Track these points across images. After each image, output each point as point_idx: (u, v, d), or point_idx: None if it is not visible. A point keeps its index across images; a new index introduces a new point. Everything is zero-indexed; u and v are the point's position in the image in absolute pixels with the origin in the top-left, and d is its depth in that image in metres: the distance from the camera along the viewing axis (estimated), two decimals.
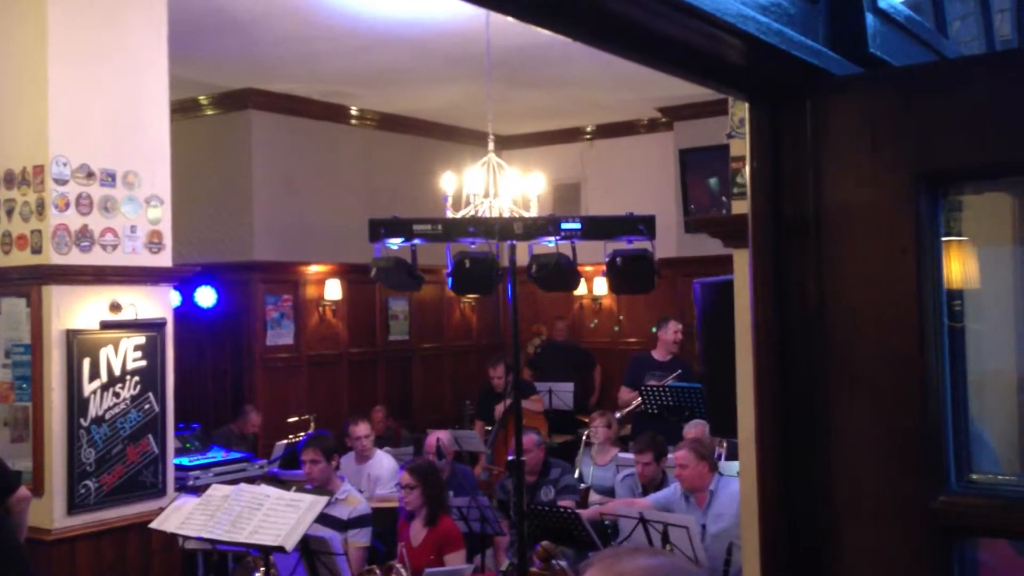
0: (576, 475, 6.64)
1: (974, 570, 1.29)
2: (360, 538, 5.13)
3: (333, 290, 9.10)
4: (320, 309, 9.09)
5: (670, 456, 5.60)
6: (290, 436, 7.60)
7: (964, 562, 1.26)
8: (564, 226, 4.08)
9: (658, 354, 7.92)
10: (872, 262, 1.26)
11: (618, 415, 7.37)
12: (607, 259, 4.17)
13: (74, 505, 4.72)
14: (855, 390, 1.28)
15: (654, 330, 8.17)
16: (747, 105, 1.38)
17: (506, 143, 10.06)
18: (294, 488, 4.88)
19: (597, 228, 4.18)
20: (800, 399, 1.32)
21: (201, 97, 8.63)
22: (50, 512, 4.67)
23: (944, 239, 1.31)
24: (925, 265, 1.24)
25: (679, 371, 7.60)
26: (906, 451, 1.26)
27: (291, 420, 7.95)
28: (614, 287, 4.32)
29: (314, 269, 9.06)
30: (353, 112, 9.34)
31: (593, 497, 6.42)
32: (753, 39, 1.14)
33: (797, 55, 1.20)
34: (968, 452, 1.28)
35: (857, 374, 1.28)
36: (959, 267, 1.41)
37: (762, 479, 1.35)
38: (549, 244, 4.29)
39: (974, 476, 1.28)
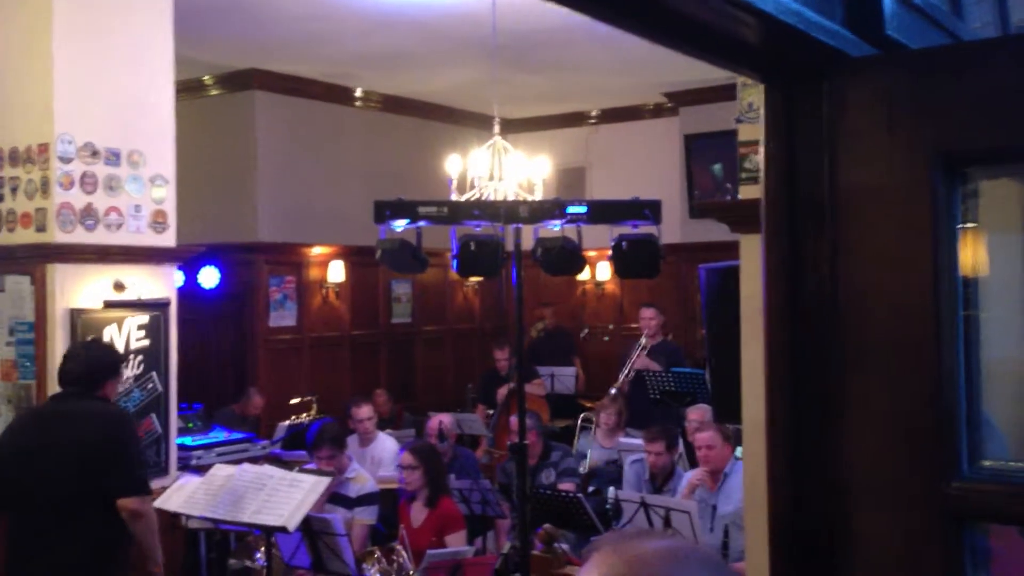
0: (575, 453, 6.64)
1: (985, 556, 1.29)
2: (366, 515, 5.18)
3: (336, 272, 9.10)
4: (323, 291, 9.08)
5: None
6: (292, 417, 7.62)
7: (975, 548, 1.25)
8: (570, 210, 4.06)
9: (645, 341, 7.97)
10: (887, 246, 1.25)
11: (613, 390, 7.35)
12: (612, 243, 4.16)
13: None
14: (868, 375, 1.27)
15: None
16: (762, 87, 1.37)
17: (511, 127, 10.02)
18: (297, 468, 4.90)
19: (603, 212, 4.16)
20: (812, 384, 1.31)
21: (205, 77, 8.60)
22: None
23: (960, 226, 1.30)
24: (941, 249, 1.23)
25: (661, 356, 7.62)
26: (919, 436, 1.26)
27: (294, 402, 7.96)
28: (619, 271, 4.31)
29: (317, 251, 9.05)
30: (358, 94, 9.31)
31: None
32: (771, 19, 1.12)
33: (815, 36, 1.18)
34: (981, 438, 1.27)
35: (870, 359, 1.27)
36: (974, 254, 1.40)
37: (772, 462, 1.34)
38: (554, 228, 4.28)
39: (986, 462, 1.27)
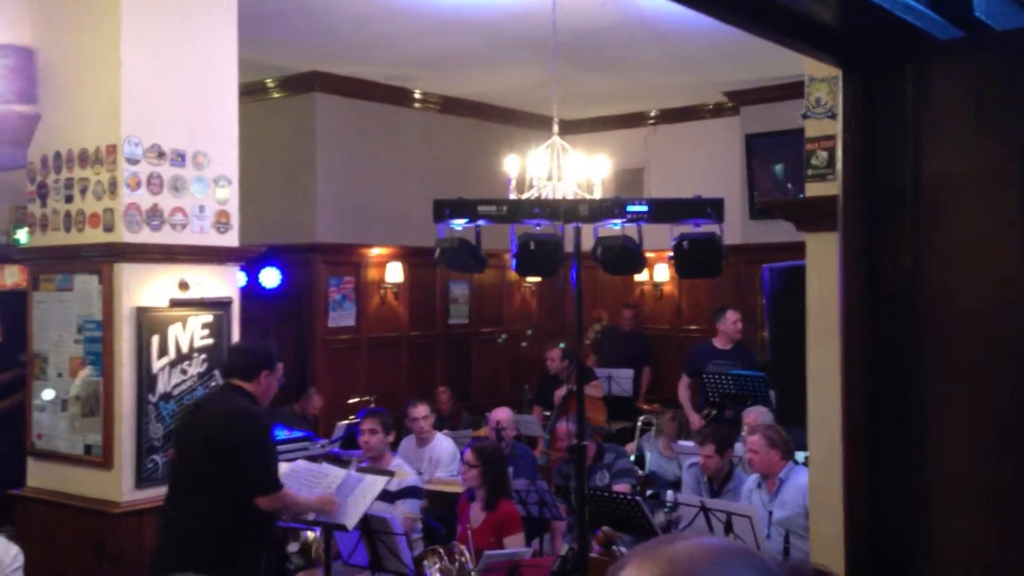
0: (633, 459, 6.58)
1: None
2: (408, 508, 5.21)
3: (394, 273, 9.15)
4: (381, 291, 9.14)
5: (738, 447, 5.52)
6: (350, 417, 7.67)
7: None
8: (630, 208, 4.01)
9: (719, 343, 7.81)
10: (974, 236, 1.19)
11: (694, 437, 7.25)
12: (674, 242, 4.09)
13: (142, 479, 4.81)
14: (952, 373, 1.21)
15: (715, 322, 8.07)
16: (829, 83, 1.32)
17: (569, 127, 9.97)
18: (355, 467, 4.92)
19: (664, 211, 4.10)
20: (891, 384, 1.26)
21: (268, 80, 8.72)
22: (118, 485, 4.77)
23: None
24: None
25: (739, 360, 7.49)
26: (1006, 436, 1.19)
27: (352, 401, 8.02)
28: (680, 271, 4.24)
29: (376, 251, 9.11)
30: (416, 95, 9.36)
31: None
32: None
33: (899, 15, 1.13)
34: None
35: (954, 357, 1.21)
36: None
37: (849, 465, 1.28)
38: (614, 227, 4.23)
39: None
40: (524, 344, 9.65)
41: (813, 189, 3.51)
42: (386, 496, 5.16)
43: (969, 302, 1.21)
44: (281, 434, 6.49)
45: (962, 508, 1.23)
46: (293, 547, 5.12)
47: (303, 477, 4.35)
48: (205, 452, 3.86)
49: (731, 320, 7.73)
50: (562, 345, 8.33)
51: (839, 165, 1.35)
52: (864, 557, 1.29)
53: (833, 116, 3.29)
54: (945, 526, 1.23)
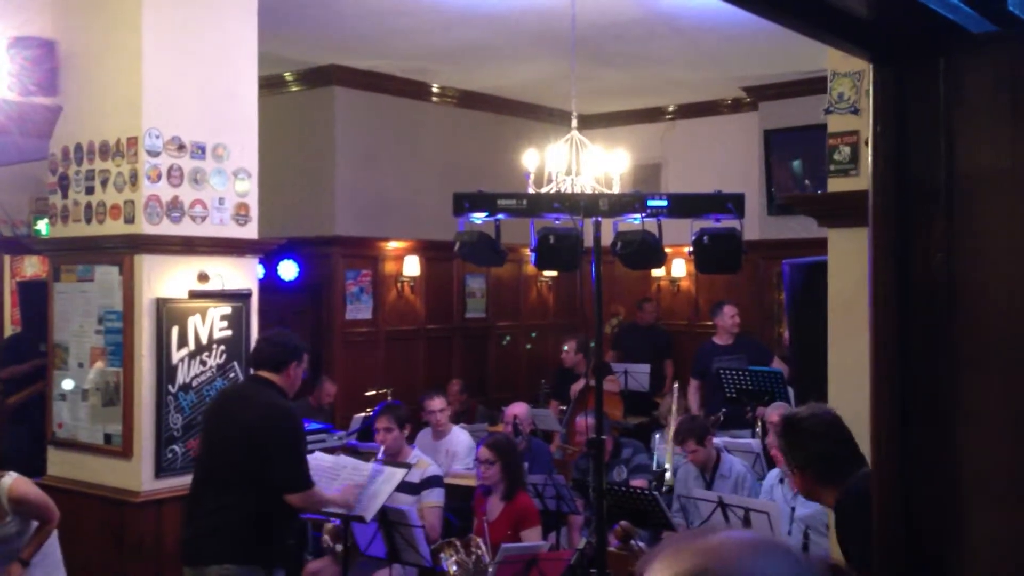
0: (654, 457, 6.57)
1: None
2: (433, 498, 5.22)
3: (412, 266, 9.16)
4: (399, 285, 9.16)
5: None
6: (367, 409, 7.69)
7: None
8: (650, 203, 4.00)
9: (720, 339, 7.78)
10: (1010, 233, 1.17)
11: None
12: (694, 237, 4.08)
13: (161, 469, 4.84)
14: (986, 371, 1.20)
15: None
16: (869, 66, 1.30)
17: (587, 122, 9.95)
18: (372, 459, 4.94)
19: (684, 206, 4.08)
20: (923, 381, 1.25)
21: (286, 73, 8.73)
22: (138, 475, 4.80)
23: None
24: None
25: (743, 353, 7.46)
26: None
27: (369, 394, 8.04)
28: (700, 266, 4.22)
29: (393, 245, 9.12)
30: (434, 89, 9.35)
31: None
32: None
33: (932, 8, 1.12)
34: None
35: (987, 354, 1.20)
36: None
37: (878, 463, 1.28)
38: (634, 222, 4.22)
39: None
40: (529, 347, 9.68)
41: (835, 184, 3.49)
42: (411, 488, 5.18)
43: (1003, 298, 1.20)
44: None
45: (994, 507, 1.22)
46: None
47: (324, 470, 4.36)
48: (244, 446, 3.84)
49: (728, 315, 7.70)
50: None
51: (868, 160, 1.34)
52: (893, 552, 1.28)
53: (856, 111, 3.27)
54: (977, 526, 1.22)
